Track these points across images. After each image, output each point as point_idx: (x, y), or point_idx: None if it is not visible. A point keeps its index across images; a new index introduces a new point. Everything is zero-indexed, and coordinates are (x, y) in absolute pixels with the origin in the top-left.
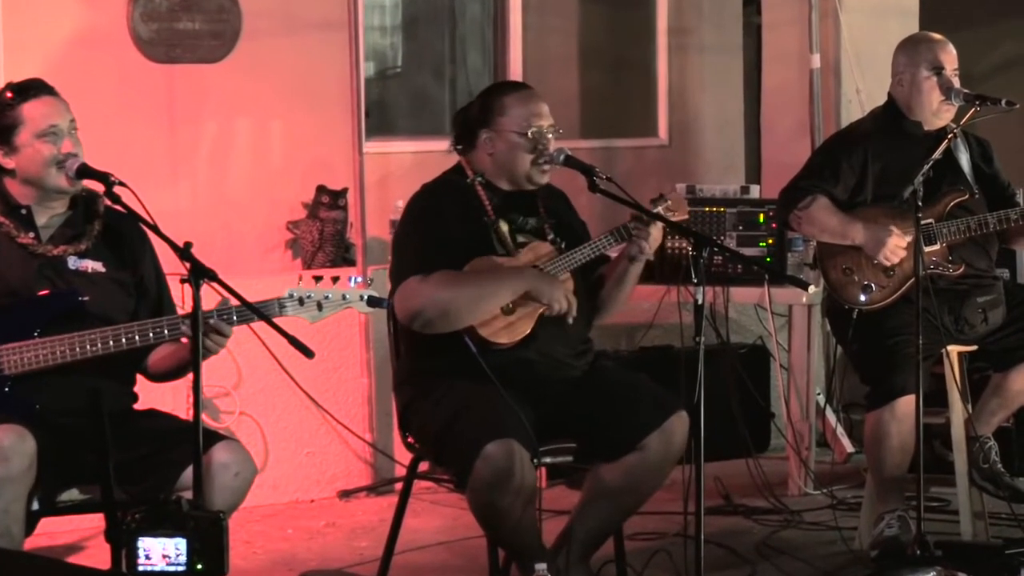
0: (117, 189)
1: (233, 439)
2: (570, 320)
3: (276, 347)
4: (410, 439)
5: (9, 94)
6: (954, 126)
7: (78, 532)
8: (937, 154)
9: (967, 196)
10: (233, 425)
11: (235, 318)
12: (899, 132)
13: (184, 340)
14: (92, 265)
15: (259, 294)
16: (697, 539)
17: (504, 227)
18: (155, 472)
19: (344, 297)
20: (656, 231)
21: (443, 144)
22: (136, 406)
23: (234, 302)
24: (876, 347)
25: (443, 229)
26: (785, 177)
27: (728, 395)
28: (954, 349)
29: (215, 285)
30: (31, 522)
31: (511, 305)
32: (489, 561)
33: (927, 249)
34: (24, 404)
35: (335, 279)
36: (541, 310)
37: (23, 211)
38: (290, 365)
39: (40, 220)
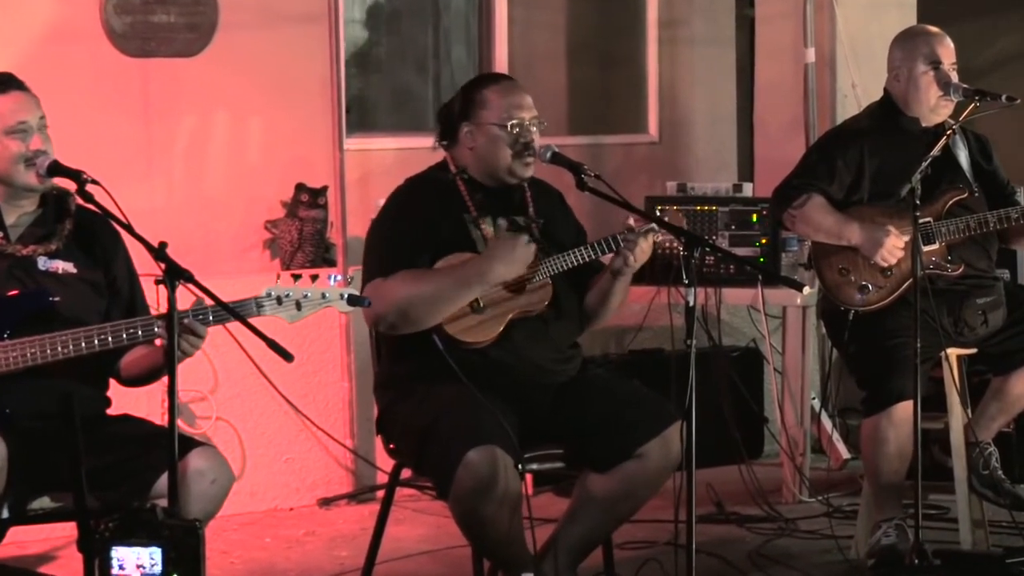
0: (89, 187)
1: (209, 445)
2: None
3: (254, 350)
4: (391, 445)
5: None
6: (952, 122)
7: (49, 541)
8: (935, 151)
9: (966, 194)
10: (209, 430)
11: (211, 318)
12: (896, 128)
13: (158, 342)
14: (63, 265)
15: (236, 295)
16: (688, 548)
17: (487, 225)
18: (129, 479)
19: (324, 296)
20: (646, 244)
21: (426, 141)
22: (109, 411)
23: (209, 302)
24: (873, 350)
25: (416, 227)
26: (779, 175)
27: (720, 400)
28: (953, 352)
29: (191, 286)
30: (0, 531)
31: (481, 303)
32: (474, 571)
33: (925, 248)
34: None
35: (314, 277)
36: (514, 312)
37: None
38: (268, 368)
39: (9, 219)
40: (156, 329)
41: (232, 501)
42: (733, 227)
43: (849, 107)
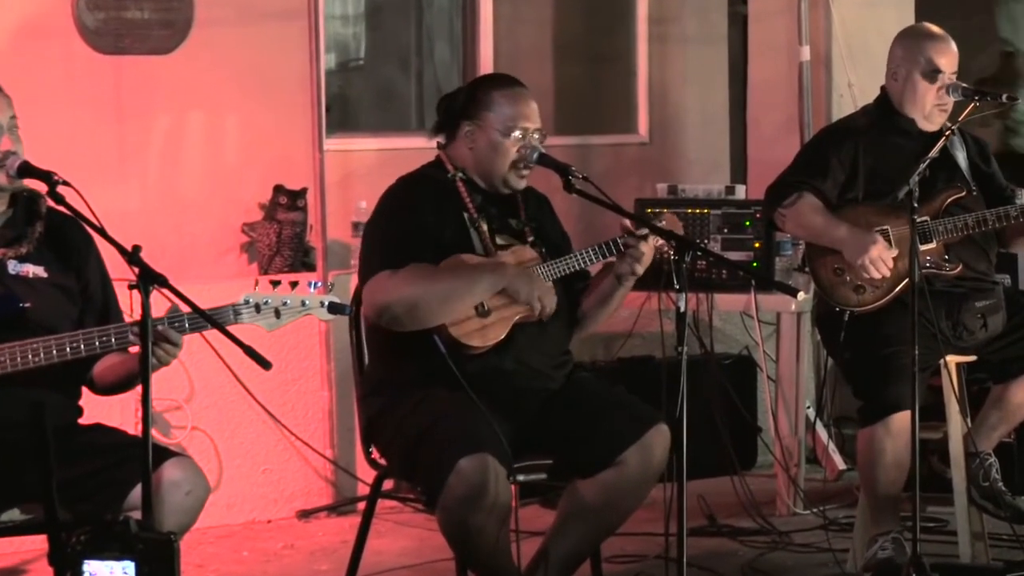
0: (61, 189)
1: (185, 456)
2: (543, 318)
3: (231, 358)
4: (374, 455)
5: None
6: (949, 124)
7: (19, 555)
8: (933, 153)
9: (964, 193)
10: (185, 441)
11: (187, 326)
12: (893, 128)
13: (132, 350)
14: (33, 270)
15: (212, 300)
16: (679, 562)
17: (484, 226)
18: (101, 491)
19: (303, 303)
20: (647, 249)
21: (409, 141)
22: (81, 420)
23: (185, 309)
24: (870, 358)
25: (418, 222)
26: (772, 177)
27: (712, 409)
28: (952, 360)
29: (165, 291)
30: None
31: (487, 307)
32: None
33: (922, 247)
34: None
35: (294, 284)
36: (518, 316)
37: None
38: (246, 377)
39: None
40: (130, 336)
41: (208, 513)
42: (725, 230)
43: (845, 106)
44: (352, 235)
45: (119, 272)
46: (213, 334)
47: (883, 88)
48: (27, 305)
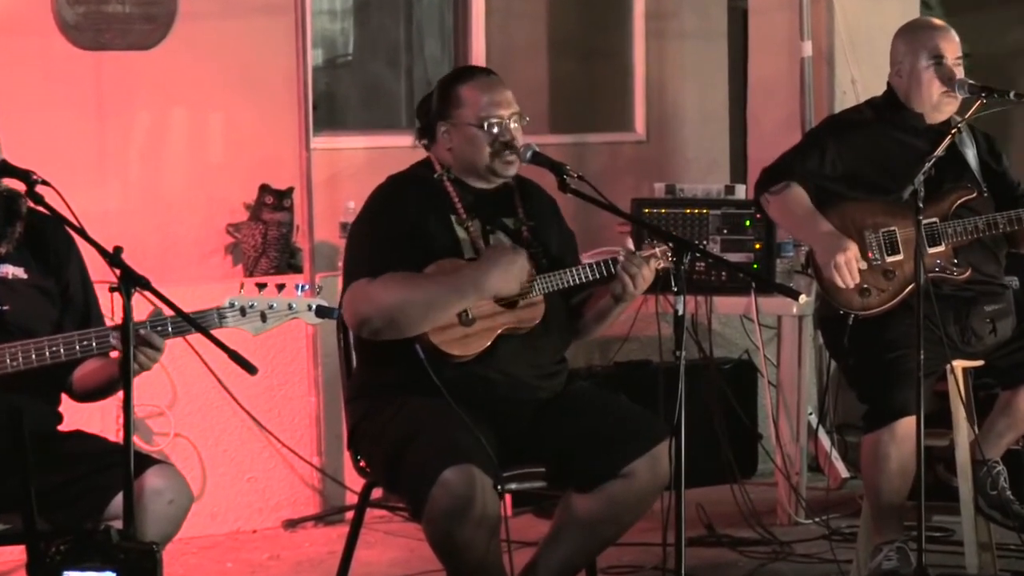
0: (40, 188)
1: (167, 463)
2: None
3: (214, 362)
4: (362, 463)
5: None
6: (959, 119)
7: None
8: (940, 151)
9: (974, 194)
10: (167, 448)
11: (170, 330)
12: (899, 124)
13: (114, 354)
14: (12, 271)
15: (196, 303)
16: (678, 573)
17: (477, 229)
18: (81, 499)
19: (290, 307)
20: (648, 272)
21: (398, 139)
22: (61, 427)
23: (168, 312)
24: (874, 362)
25: (403, 226)
26: None
27: (712, 415)
28: (959, 364)
29: (148, 294)
30: None
31: (471, 315)
32: None
33: (931, 250)
34: None
35: (280, 287)
36: (503, 328)
37: None
38: (230, 382)
39: None
40: (111, 340)
41: (191, 523)
42: (725, 231)
43: (848, 104)
44: (340, 236)
45: (100, 274)
46: (197, 338)
47: (889, 85)
48: (5, 308)
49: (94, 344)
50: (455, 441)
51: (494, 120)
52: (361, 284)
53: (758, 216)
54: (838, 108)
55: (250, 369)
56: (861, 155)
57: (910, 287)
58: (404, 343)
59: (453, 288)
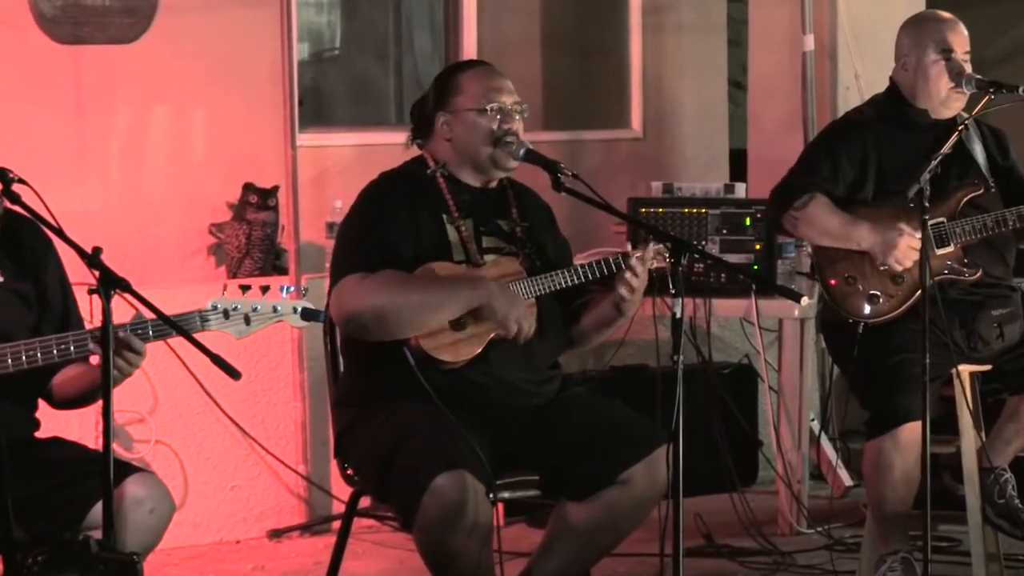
0: (16, 187)
1: (148, 471)
2: (519, 341)
3: (197, 366)
4: (349, 471)
5: None
6: (965, 115)
7: None
8: (947, 148)
9: (981, 190)
10: (148, 455)
11: (151, 333)
12: (903, 121)
13: (93, 360)
14: None
15: (178, 305)
16: None
17: (469, 229)
18: (60, 508)
19: (275, 309)
20: (638, 282)
21: (386, 136)
22: (38, 434)
23: (149, 315)
24: (877, 366)
25: (395, 222)
26: (774, 174)
27: (710, 421)
28: (965, 369)
29: (128, 296)
30: None
31: (463, 320)
32: None
33: (940, 251)
34: None
35: (264, 289)
36: (494, 333)
37: None
38: (213, 387)
39: None
40: (90, 344)
41: (173, 533)
42: (724, 231)
43: (851, 100)
44: (327, 236)
45: (79, 276)
46: (179, 342)
47: (892, 80)
48: None
49: (72, 348)
50: (447, 447)
51: (496, 105)
52: (352, 279)
53: (758, 216)
54: (841, 104)
55: (233, 374)
56: (868, 158)
57: (919, 292)
58: (393, 347)
59: (448, 293)
